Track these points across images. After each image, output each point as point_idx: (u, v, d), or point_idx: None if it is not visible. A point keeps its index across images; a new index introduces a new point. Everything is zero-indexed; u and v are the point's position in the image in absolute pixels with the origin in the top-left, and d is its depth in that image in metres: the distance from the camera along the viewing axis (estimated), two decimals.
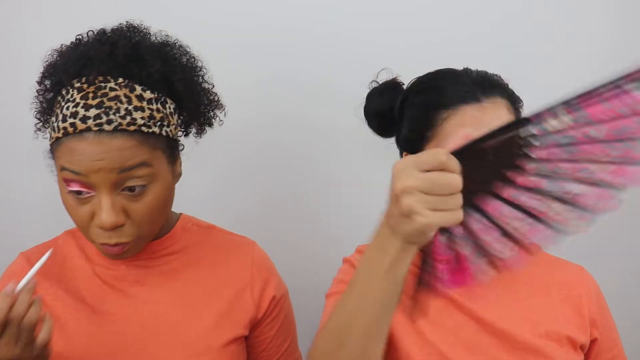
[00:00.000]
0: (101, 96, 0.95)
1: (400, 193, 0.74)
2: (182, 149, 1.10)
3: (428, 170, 0.73)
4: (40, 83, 1.04)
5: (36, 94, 1.05)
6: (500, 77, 1.07)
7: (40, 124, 1.06)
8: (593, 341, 1.08)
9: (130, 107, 0.95)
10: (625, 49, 1.46)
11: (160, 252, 1.09)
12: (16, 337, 0.88)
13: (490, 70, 1.08)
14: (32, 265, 1.06)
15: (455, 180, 0.73)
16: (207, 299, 1.09)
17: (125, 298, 1.06)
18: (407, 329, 1.02)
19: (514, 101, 1.05)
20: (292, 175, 1.52)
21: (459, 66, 1.09)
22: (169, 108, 1.01)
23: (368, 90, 1.16)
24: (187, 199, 1.17)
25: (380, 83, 1.15)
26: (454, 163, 0.74)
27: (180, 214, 1.16)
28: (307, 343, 1.15)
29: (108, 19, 1.06)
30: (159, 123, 0.98)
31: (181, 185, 1.08)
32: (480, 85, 1.02)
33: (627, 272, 1.55)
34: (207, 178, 1.49)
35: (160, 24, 1.08)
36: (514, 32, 1.45)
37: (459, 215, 0.74)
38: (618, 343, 1.12)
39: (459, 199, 0.74)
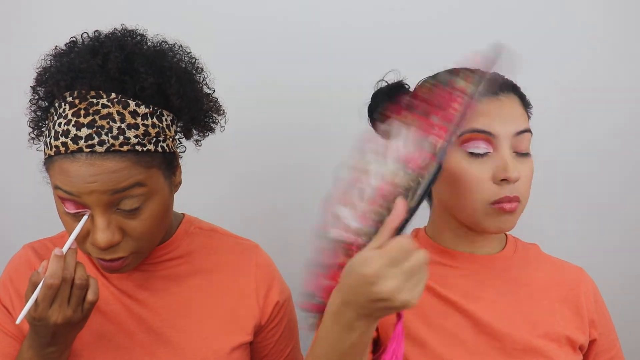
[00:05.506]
0: (93, 114, 0.91)
1: (391, 295, 0.77)
2: (184, 150, 1.07)
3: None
4: (33, 90, 1.01)
5: (29, 102, 1.02)
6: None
7: (34, 133, 1.04)
8: (592, 342, 1.09)
9: (123, 125, 0.92)
10: (616, 42, 1.50)
11: (163, 257, 1.08)
12: (68, 299, 0.90)
13: None
14: (37, 255, 1.08)
15: (423, 256, 0.79)
16: (211, 305, 1.08)
17: (130, 299, 1.06)
18: (404, 332, 1.01)
19: (527, 104, 1.06)
20: (294, 177, 1.52)
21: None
22: (166, 120, 0.98)
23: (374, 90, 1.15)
24: (190, 203, 1.16)
25: (387, 83, 1.14)
26: (410, 241, 0.79)
27: (183, 215, 1.14)
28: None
29: (108, 20, 1.03)
30: (154, 139, 0.95)
31: (185, 188, 1.07)
32: (497, 82, 1.03)
33: (625, 273, 1.57)
34: (211, 181, 1.48)
35: (159, 26, 1.05)
36: (510, 29, 1.46)
37: (427, 275, 0.80)
38: (616, 344, 1.13)
39: (427, 266, 0.80)
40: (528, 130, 1.02)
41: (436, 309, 1.03)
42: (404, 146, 0.93)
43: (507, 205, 0.99)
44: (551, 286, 1.08)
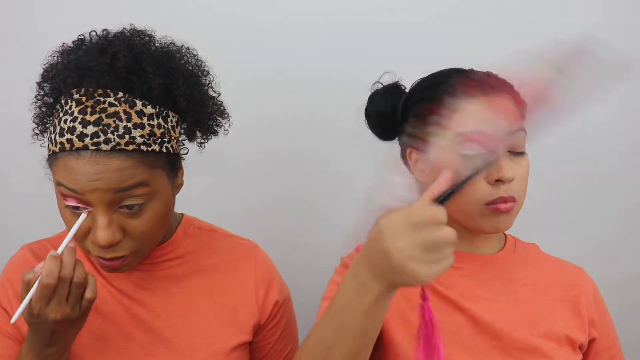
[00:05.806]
0: (100, 112, 0.91)
1: (397, 256, 0.74)
2: (187, 152, 1.07)
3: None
4: (39, 85, 1.00)
5: (34, 98, 1.01)
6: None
7: (38, 129, 1.03)
8: (591, 341, 1.09)
9: (129, 125, 0.92)
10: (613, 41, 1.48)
11: (162, 257, 1.08)
12: (66, 297, 0.90)
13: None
14: (36, 256, 1.07)
15: (449, 234, 0.74)
16: (211, 305, 1.08)
17: (129, 300, 1.06)
18: (405, 331, 1.01)
19: (520, 102, 1.05)
20: (295, 175, 1.53)
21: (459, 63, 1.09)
22: (171, 122, 0.98)
23: (370, 92, 1.16)
24: (191, 201, 1.16)
25: (383, 85, 1.14)
26: (445, 215, 0.75)
27: (182, 215, 1.14)
28: None
29: (108, 20, 1.03)
30: (160, 140, 0.95)
31: (185, 186, 1.06)
32: (488, 82, 1.03)
33: (625, 273, 1.57)
34: (211, 178, 1.48)
35: (159, 26, 1.05)
36: (510, 29, 1.47)
37: (451, 260, 0.76)
38: (616, 343, 1.13)
39: (452, 248, 0.75)
40: (522, 129, 1.02)
41: (437, 308, 1.01)
42: (468, 122, 0.96)
43: (502, 206, 0.99)
44: (551, 286, 1.08)
